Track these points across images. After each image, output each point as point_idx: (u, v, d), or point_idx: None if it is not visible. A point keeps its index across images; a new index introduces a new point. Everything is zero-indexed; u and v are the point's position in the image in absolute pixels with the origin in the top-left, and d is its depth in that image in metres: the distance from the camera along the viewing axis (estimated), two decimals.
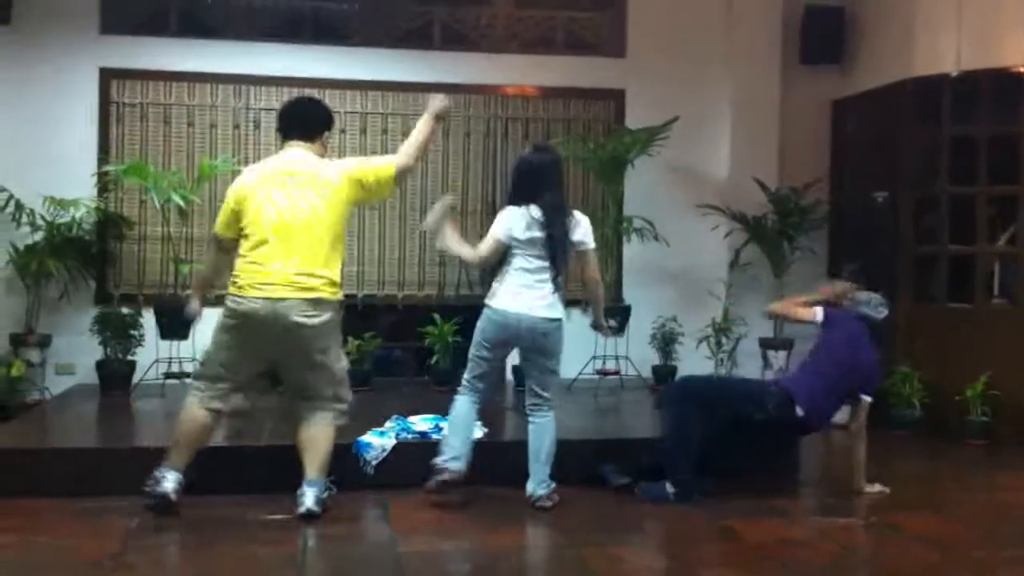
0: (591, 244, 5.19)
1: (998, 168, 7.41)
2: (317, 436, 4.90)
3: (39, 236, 7.44)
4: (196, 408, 4.88)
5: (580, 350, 7.83)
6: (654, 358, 8.07)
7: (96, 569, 4.14)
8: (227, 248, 4.96)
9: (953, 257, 7.63)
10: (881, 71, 8.10)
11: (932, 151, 7.69)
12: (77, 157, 7.71)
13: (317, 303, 4.76)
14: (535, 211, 5.04)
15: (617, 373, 7.90)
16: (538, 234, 5.02)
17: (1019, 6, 7.24)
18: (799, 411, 5.35)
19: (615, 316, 7.93)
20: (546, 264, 5.04)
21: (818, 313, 5.71)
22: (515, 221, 5.06)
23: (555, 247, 5.03)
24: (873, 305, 5.74)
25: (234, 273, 4.85)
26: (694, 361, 7.87)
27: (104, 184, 7.72)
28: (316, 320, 4.75)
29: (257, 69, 7.93)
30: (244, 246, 4.83)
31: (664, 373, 7.99)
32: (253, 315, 4.74)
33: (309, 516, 4.80)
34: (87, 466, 5.32)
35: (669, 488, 5.28)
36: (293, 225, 4.76)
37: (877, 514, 5.25)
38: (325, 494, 4.93)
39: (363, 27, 8.33)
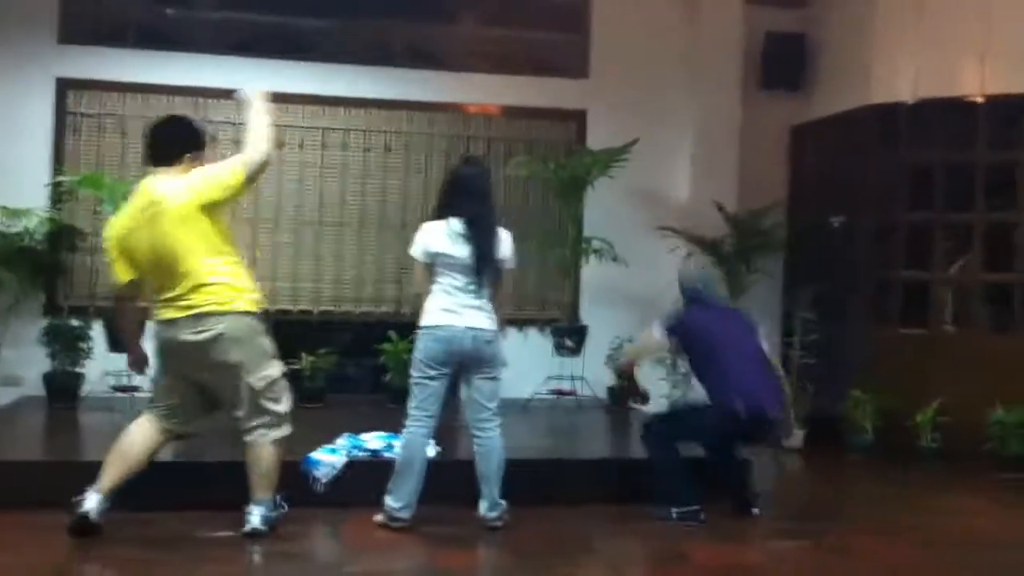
0: (512, 264, 5.14)
1: (954, 195, 7.49)
2: (259, 455, 4.75)
3: None
4: (148, 425, 4.76)
5: (536, 369, 7.85)
6: (610, 379, 8.06)
7: None
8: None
9: (908, 283, 7.70)
10: (839, 98, 8.19)
11: (889, 178, 7.77)
12: (32, 167, 7.63)
13: (200, 318, 4.58)
14: (456, 224, 4.95)
15: (573, 393, 7.88)
16: (462, 248, 4.94)
17: (973, 37, 7.34)
18: (739, 409, 5.27)
19: (571, 336, 7.93)
20: (472, 279, 4.95)
21: (657, 331, 5.62)
22: (431, 237, 4.98)
23: (479, 261, 4.93)
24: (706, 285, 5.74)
25: None
26: (649, 383, 7.85)
27: (58, 195, 7.62)
28: (204, 335, 4.58)
29: (217, 82, 7.82)
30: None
31: (619, 394, 7.97)
32: (161, 341, 4.71)
33: (254, 535, 4.71)
34: (34, 479, 5.21)
35: (674, 512, 5.29)
36: (163, 257, 4.60)
37: (830, 537, 5.25)
38: (274, 513, 4.81)
39: (326, 43, 8.29)
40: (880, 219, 7.83)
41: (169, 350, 4.70)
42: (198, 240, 4.59)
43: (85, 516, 4.56)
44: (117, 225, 4.77)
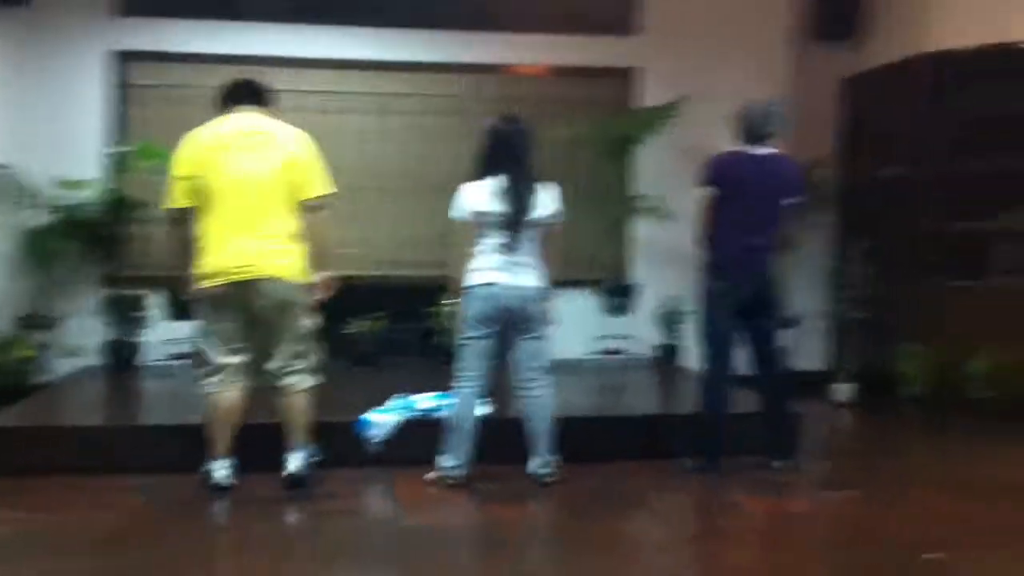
0: (560, 218, 5.14)
1: (1011, 145, 7.36)
2: (298, 400, 4.92)
3: (49, 218, 7.48)
4: (231, 388, 4.91)
5: (586, 330, 7.88)
6: (660, 337, 8.07)
7: (106, 545, 4.18)
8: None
9: (962, 235, 7.60)
10: (894, 47, 8.05)
11: (944, 128, 7.64)
12: (91, 139, 7.75)
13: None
14: (496, 182, 4.97)
15: (622, 352, 7.91)
16: (502, 206, 4.95)
17: None
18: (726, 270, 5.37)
19: (620, 295, 7.95)
20: (515, 236, 4.97)
21: (703, 190, 5.56)
22: (471, 196, 5.01)
23: (520, 217, 4.95)
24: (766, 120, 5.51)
25: None
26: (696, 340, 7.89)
27: (116, 166, 7.74)
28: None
29: (276, 50, 7.89)
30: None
31: (668, 352, 7.99)
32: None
33: (295, 479, 4.86)
34: (96, 444, 5.36)
35: (689, 463, 5.38)
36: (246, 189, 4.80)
37: (880, 488, 5.25)
38: (312, 459, 4.98)
39: (379, 8, 8.24)
40: (934, 170, 7.71)
41: (236, 290, 4.78)
42: (283, 190, 4.80)
43: (223, 487, 4.84)
44: (196, 145, 4.87)
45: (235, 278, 4.74)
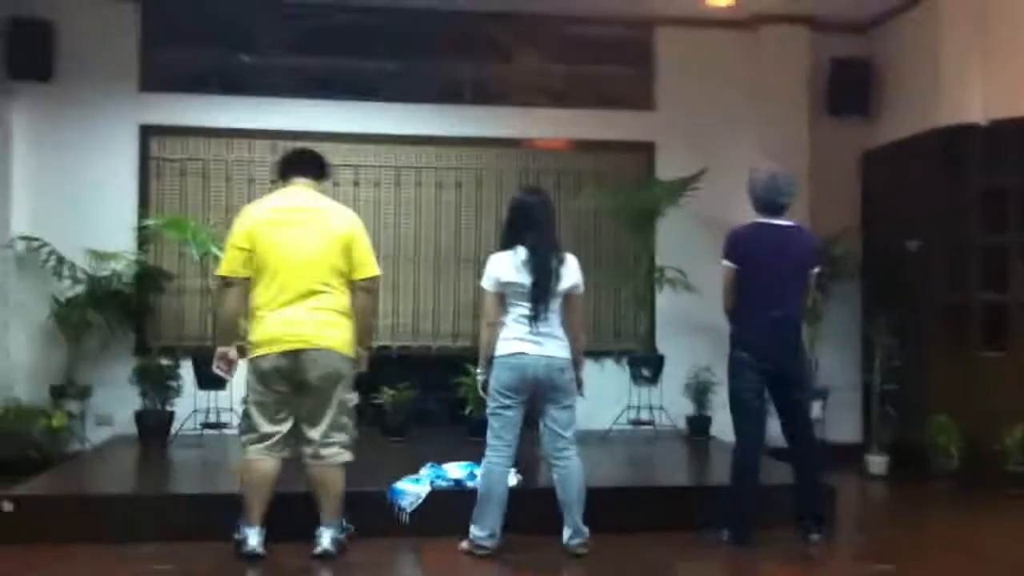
0: (581, 288, 5.20)
1: None
2: (331, 476, 4.98)
3: (80, 289, 7.60)
4: (267, 458, 4.97)
5: (615, 400, 7.89)
6: (688, 408, 8.06)
7: None
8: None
9: (986, 306, 7.60)
10: (908, 122, 8.14)
11: (962, 200, 7.69)
12: (117, 212, 7.90)
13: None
14: (522, 253, 5.05)
15: (651, 423, 7.90)
16: (528, 277, 5.02)
17: None
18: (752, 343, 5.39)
19: (648, 366, 7.96)
20: (541, 306, 5.01)
21: (725, 264, 5.57)
22: (501, 266, 5.08)
23: (545, 287, 5.01)
24: (779, 191, 5.54)
25: None
26: (728, 411, 7.86)
27: (144, 238, 7.87)
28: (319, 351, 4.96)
29: (293, 125, 8.06)
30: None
31: (699, 423, 7.97)
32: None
33: (325, 556, 4.90)
34: (127, 513, 5.40)
35: (725, 534, 5.36)
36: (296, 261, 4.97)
37: (913, 561, 5.20)
38: (342, 535, 5.03)
39: (397, 84, 8.47)
40: (954, 242, 7.75)
41: (287, 360, 4.88)
42: (334, 266, 4.96)
43: (257, 555, 4.87)
44: (254, 217, 5.02)
45: (287, 347, 4.84)
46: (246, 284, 4.96)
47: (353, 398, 5.09)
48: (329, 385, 4.92)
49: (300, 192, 5.09)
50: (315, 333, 4.88)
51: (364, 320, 5.11)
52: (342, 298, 4.99)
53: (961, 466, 7.28)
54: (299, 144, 5.44)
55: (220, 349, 5.09)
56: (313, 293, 4.90)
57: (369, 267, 5.07)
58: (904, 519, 6.52)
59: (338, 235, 4.98)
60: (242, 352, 5.04)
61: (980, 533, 5.99)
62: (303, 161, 5.20)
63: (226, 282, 5.01)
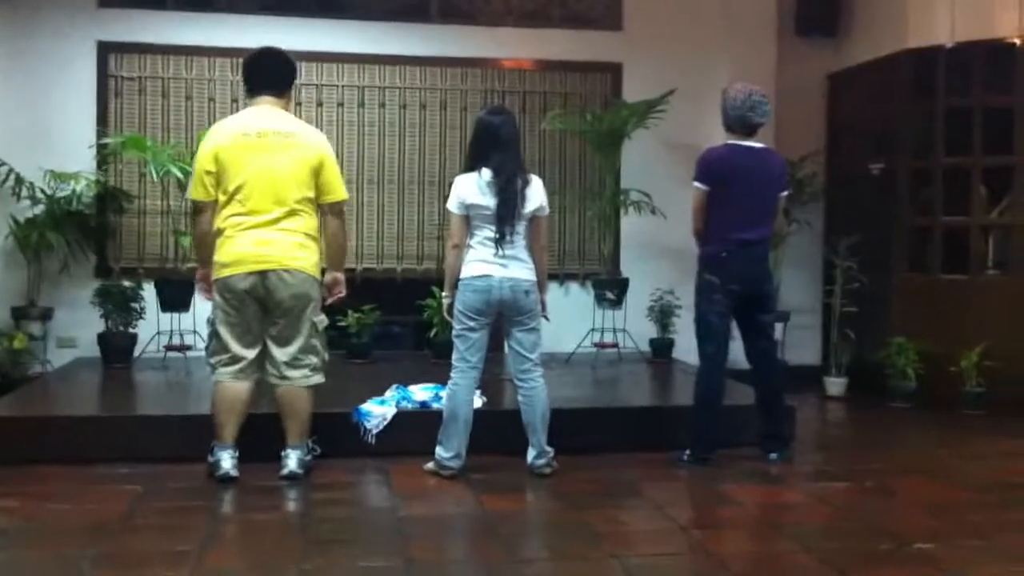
0: (546, 210, 5.19)
1: (993, 139, 7.45)
2: (298, 397, 5.01)
3: (39, 209, 7.50)
4: (240, 380, 4.99)
5: (578, 323, 7.93)
6: (652, 331, 8.12)
7: (103, 532, 4.20)
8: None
9: (948, 229, 7.68)
10: (876, 44, 8.13)
11: (927, 123, 7.73)
12: (76, 131, 7.74)
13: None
14: (486, 175, 5.02)
15: (615, 346, 7.95)
16: (492, 199, 5.00)
17: None
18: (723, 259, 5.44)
19: (612, 289, 7.99)
20: (506, 229, 5.00)
21: (696, 186, 5.53)
22: (465, 188, 5.05)
23: (510, 209, 4.99)
24: (752, 109, 5.47)
25: None
26: (692, 334, 7.92)
27: (103, 157, 7.74)
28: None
29: (255, 42, 7.75)
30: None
31: (662, 346, 8.04)
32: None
33: (292, 478, 4.95)
34: (92, 434, 5.39)
35: (686, 454, 5.46)
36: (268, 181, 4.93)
37: (871, 479, 5.31)
38: (309, 456, 5.08)
39: (360, 1, 8.32)
40: (919, 165, 7.80)
41: (254, 281, 4.86)
42: (303, 189, 4.93)
43: (231, 477, 4.88)
44: (221, 139, 4.95)
45: (254, 267, 4.83)
46: (215, 205, 4.93)
47: (323, 320, 5.10)
48: (299, 307, 4.92)
49: (267, 113, 5.00)
50: (284, 254, 4.86)
51: (337, 244, 5.12)
52: (311, 221, 4.98)
53: (919, 388, 7.42)
54: (263, 45, 5.25)
55: (200, 271, 5.12)
56: (283, 216, 4.88)
57: (339, 191, 5.06)
58: (862, 439, 6.64)
59: (308, 158, 4.93)
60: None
61: (938, 453, 6.11)
62: (269, 71, 5.08)
63: (197, 207, 4.99)
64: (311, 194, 4.96)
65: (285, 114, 5.07)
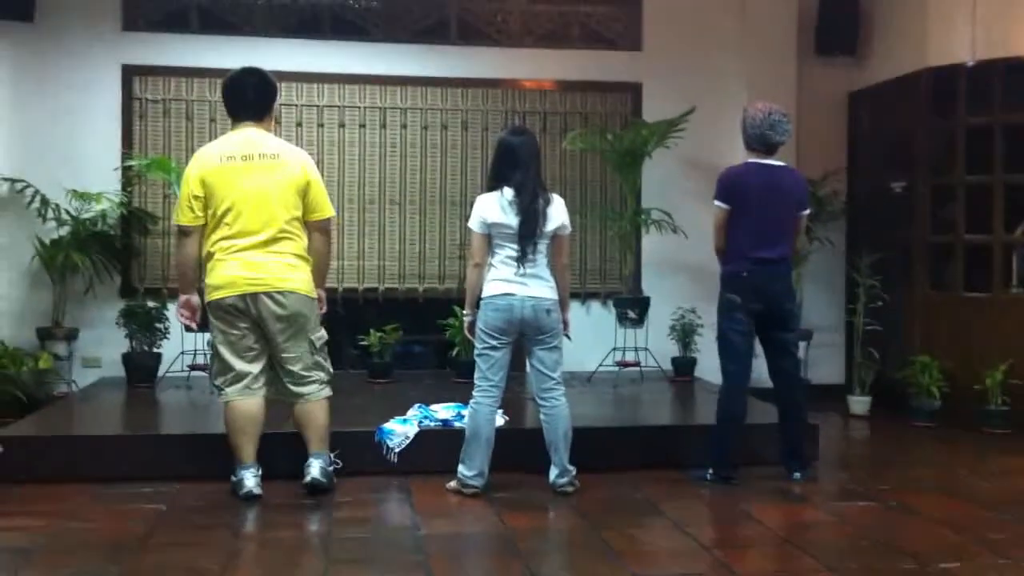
0: (568, 229, 5.21)
1: (1014, 157, 7.42)
2: (315, 409, 5.07)
3: (64, 231, 7.56)
4: (254, 399, 5.05)
5: (600, 342, 7.93)
6: (674, 350, 8.11)
7: (126, 550, 4.23)
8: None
9: (970, 246, 7.65)
10: (897, 62, 8.12)
11: (948, 141, 7.71)
12: (101, 153, 7.83)
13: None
14: (508, 194, 5.05)
15: (637, 364, 7.94)
16: (514, 218, 5.02)
17: None
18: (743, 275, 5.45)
19: (634, 308, 7.99)
20: (527, 248, 5.02)
21: (717, 204, 5.56)
22: (488, 207, 5.08)
23: (531, 228, 5.01)
24: (772, 128, 5.47)
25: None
26: (714, 353, 7.90)
27: (128, 179, 7.83)
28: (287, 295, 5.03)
29: (276, 65, 7.89)
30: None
31: (684, 364, 8.03)
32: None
33: (315, 486, 4.98)
34: (116, 453, 5.44)
35: (709, 473, 5.46)
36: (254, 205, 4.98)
37: (894, 498, 5.28)
38: (331, 467, 5.11)
39: (382, 23, 8.39)
40: (940, 183, 7.78)
41: (246, 303, 4.92)
42: (291, 209, 4.97)
43: (254, 495, 4.94)
44: (206, 163, 4.99)
45: (246, 289, 4.89)
46: (203, 230, 4.98)
47: (323, 335, 5.15)
48: (296, 326, 4.98)
49: (251, 135, 5.03)
50: (275, 276, 4.92)
51: (322, 261, 5.17)
52: (300, 242, 5.03)
53: (943, 406, 7.37)
54: (239, 67, 5.21)
55: (182, 296, 5.17)
56: (272, 239, 4.93)
57: (326, 208, 5.11)
58: (886, 458, 6.60)
59: (294, 178, 4.98)
60: (203, 296, 5.09)
61: (961, 472, 6.07)
62: (249, 97, 5.08)
63: (183, 231, 5.04)
64: (299, 214, 5.01)
65: (268, 135, 5.10)
